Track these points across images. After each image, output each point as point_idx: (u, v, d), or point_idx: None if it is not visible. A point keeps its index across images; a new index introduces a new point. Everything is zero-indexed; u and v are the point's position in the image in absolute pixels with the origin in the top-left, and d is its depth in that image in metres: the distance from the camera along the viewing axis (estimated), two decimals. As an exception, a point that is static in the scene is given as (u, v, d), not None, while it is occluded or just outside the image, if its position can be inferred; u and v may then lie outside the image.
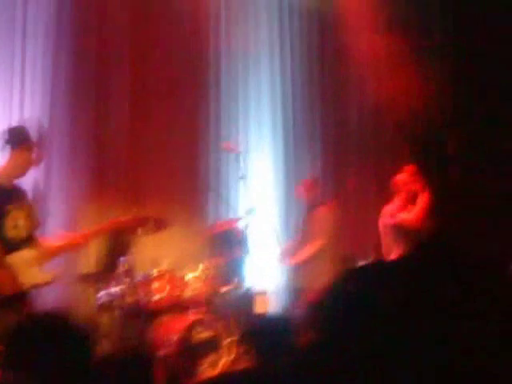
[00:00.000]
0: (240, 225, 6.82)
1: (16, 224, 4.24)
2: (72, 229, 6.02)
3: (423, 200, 6.41)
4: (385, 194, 8.22)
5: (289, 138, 8.12)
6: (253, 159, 7.37)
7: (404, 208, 6.47)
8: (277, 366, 2.79)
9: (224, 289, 6.37)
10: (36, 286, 4.36)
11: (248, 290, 6.83)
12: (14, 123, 4.90)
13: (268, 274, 5.75)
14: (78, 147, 6.85)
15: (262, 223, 5.84)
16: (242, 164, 5.69)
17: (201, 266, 6.38)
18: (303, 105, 8.24)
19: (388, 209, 6.61)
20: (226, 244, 6.66)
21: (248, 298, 6.72)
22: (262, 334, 3.16)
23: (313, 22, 8.30)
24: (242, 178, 5.59)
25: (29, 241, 4.31)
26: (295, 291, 6.56)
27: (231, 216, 7.00)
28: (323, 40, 8.36)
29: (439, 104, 8.57)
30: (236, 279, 6.79)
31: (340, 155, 8.34)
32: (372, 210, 8.03)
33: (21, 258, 4.22)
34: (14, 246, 4.22)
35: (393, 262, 2.92)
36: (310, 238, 6.57)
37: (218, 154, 7.59)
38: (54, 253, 4.60)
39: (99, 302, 5.92)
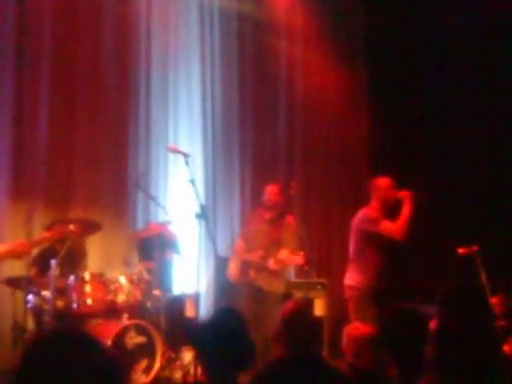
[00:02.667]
0: (171, 228, 6.77)
1: None
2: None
3: (407, 209, 6.12)
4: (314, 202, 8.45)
5: (218, 142, 8.10)
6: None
7: (382, 214, 6.20)
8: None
9: (156, 293, 6.31)
10: None
11: (179, 293, 6.80)
12: None
13: (198, 277, 5.70)
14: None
15: (193, 226, 5.77)
16: (189, 167, 5.60)
17: (133, 270, 6.31)
18: (233, 108, 8.25)
19: (367, 213, 6.26)
20: (157, 247, 6.60)
21: (179, 302, 6.68)
22: (210, 342, 2.94)
23: (243, 24, 8.31)
24: (191, 181, 5.52)
25: None
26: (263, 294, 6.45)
27: (161, 218, 6.92)
28: (254, 43, 8.38)
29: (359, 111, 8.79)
30: (167, 283, 6.75)
31: (271, 161, 8.40)
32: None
33: None
34: None
35: None
36: (284, 245, 6.45)
37: (147, 156, 7.50)
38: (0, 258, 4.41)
39: (28, 306, 5.77)
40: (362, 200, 6.56)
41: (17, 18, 6.72)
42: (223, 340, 2.82)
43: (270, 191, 6.62)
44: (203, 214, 5.48)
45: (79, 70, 7.16)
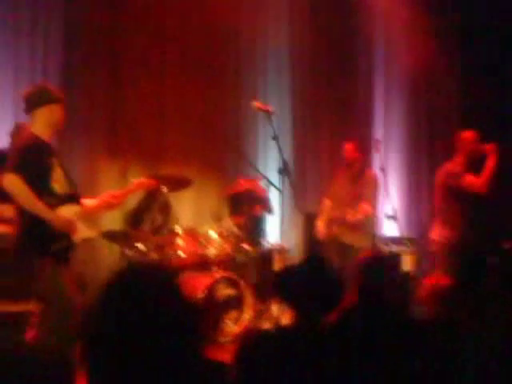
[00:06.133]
0: (261, 183, 6.90)
1: (59, 178, 4.22)
2: (92, 189, 6.12)
3: (491, 163, 6.08)
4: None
5: (306, 99, 8.12)
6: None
7: (466, 167, 6.15)
8: (318, 323, 2.82)
9: (245, 246, 6.48)
10: (84, 240, 4.37)
11: (268, 247, 6.94)
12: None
13: (284, 232, 5.82)
14: (95, 108, 6.87)
15: (283, 183, 5.86)
16: (272, 123, 5.69)
17: (223, 225, 6.48)
18: (321, 65, 8.22)
19: (450, 168, 6.24)
20: (247, 202, 6.75)
21: (268, 256, 6.82)
22: (299, 287, 2.98)
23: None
24: (275, 138, 5.61)
25: (72, 196, 4.29)
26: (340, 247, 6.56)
27: (252, 174, 7.06)
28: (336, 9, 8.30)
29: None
30: (257, 237, 6.90)
31: (358, 116, 8.39)
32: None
33: (68, 212, 4.21)
34: (60, 200, 4.18)
35: None
36: (363, 199, 6.54)
37: (237, 113, 7.63)
38: (94, 211, 4.63)
39: (124, 259, 6.04)
40: (452, 153, 6.48)
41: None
42: (315, 282, 2.84)
43: (347, 149, 6.67)
44: (286, 170, 5.58)
45: (169, 31, 7.34)
